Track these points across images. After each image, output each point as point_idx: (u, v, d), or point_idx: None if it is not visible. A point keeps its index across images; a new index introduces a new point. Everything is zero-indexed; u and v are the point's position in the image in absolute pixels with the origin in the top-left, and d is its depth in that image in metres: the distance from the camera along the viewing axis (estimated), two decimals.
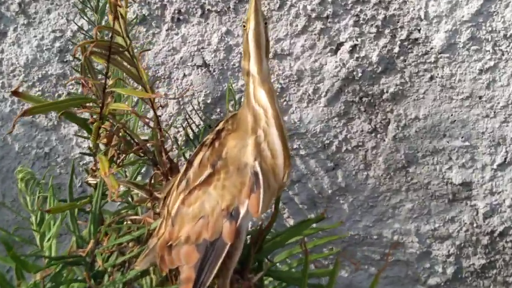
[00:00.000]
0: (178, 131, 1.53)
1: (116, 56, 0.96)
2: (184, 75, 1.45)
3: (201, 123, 1.44)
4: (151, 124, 1.08)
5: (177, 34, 1.42)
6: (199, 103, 1.45)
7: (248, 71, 0.88)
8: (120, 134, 1.03)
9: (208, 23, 1.40)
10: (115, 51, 0.95)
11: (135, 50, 1.19)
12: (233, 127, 0.92)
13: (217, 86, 1.45)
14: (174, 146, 1.39)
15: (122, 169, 1.29)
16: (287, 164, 0.85)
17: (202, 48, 1.42)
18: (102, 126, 1.02)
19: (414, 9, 1.31)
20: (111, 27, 0.93)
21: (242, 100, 1.05)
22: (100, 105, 1.00)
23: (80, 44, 0.91)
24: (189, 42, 1.42)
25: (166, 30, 1.42)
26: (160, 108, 1.16)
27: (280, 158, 0.85)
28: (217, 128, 0.95)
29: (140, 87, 1.04)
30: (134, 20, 1.42)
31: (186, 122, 1.41)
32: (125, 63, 1.01)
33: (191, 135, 1.38)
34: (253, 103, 0.86)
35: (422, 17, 1.31)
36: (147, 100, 1.08)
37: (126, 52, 0.98)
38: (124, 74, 1.03)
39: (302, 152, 1.47)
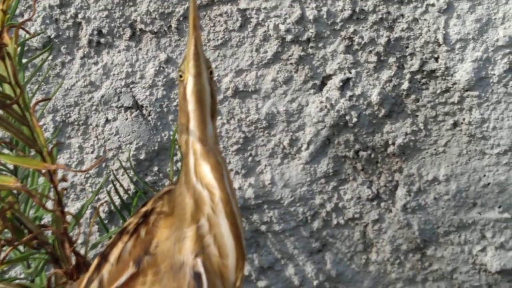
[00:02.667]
0: (98, 199, 1.36)
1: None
2: (107, 120, 1.33)
3: (131, 187, 1.35)
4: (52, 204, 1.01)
5: (96, 63, 1.30)
6: (128, 159, 1.33)
7: (187, 139, 0.85)
8: (7, 217, 0.99)
9: (140, 49, 1.30)
10: None
11: (32, 96, 1.13)
12: (167, 209, 0.90)
13: (153, 136, 1.34)
14: (83, 231, 1.23)
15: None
16: (240, 266, 0.85)
17: (133, 82, 1.31)
18: None
19: (429, 30, 1.26)
20: None
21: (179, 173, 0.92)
22: None
23: None
24: (114, 75, 1.31)
25: (81, 58, 1.30)
26: (62, 182, 1.00)
27: (231, 257, 0.84)
28: (144, 208, 0.93)
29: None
30: (35, 43, 1.28)
31: (110, 185, 1.33)
32: (13, 120, 0.93)
33: (117, 204, 1.32)
34: (194, 182, 0.84)
35: (441, 40, 1.27)
36: (44, 171, 0.99)
37: (15, 105, 0.84)
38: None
39: (276, 227, 1.39)
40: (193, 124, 0.84)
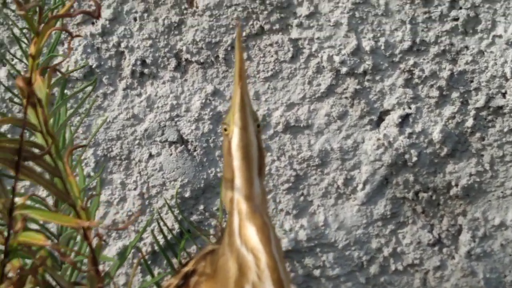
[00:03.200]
0: (141, 239, 1.34)
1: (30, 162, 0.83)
2: (151, 156, 1.31)
3: (176, 226, 1.32)
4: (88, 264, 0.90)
5: (139, 95, 1.29)
6: (172, 197, 1.31)
7: (231, 196, 0.82)
8: (39, 273, 0.88)
9: (186, 80, 1.28)
10: (28, 157, 0.77)
11: (74, 131, 1.13)
12: (210, 271, 0.88)
13: (199, 173, 1.32)
14: (126, 272, 1.20)
15: None
16: None
17: (178, 116, 1.29)
18: (8, 263, 0.87)
19: (495, 63, 1.24)
20: (22, 119, 0.75)
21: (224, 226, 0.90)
22: (6, 233, 0.84)
23: None
24: (158, 107, 1.29)
25: (124, 89, 1.29)
26: (97, 238, 0.97)
27: None
28: (186, 269, 0.91)
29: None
30: (75, 73, 1.27)
31: (154, 224, 1.31)
32: (43, 171, 0.86)
33: (161, 243, 1.27)
34: (238, 245, 0.80)
35: (508, 75, 1.25)
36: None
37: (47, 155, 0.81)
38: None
39: (330, 272, 1.36)
40: (238, 182, 0.81)
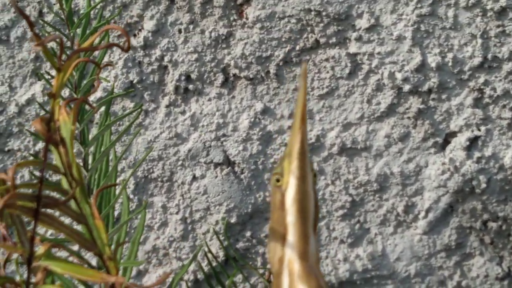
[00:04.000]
0: (182, 266, 1.27)
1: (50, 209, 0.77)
2: (194, 178, 1.28)
3: (220, 254, 1.30)
4: None
5: (183, 112, 1.27)
6: (218, 222, 1.28)
7: (281, 256, 0.75)
8: None
9: (234, 97, 1.25)
10: (48, 203, 0.72)
11: (109, 145, 1.12)
12: None
13: (246, 197, 1.28)
14: None
15: None
16: None
17: (224, 135, 1.26)
18: None
19: None
20: (41, 161, 0.69)
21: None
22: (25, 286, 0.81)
23: None
24: (203, 126, 1.27)
25: (167, 107, 1.26)
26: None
27: None
28: None
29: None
30: (113, 89, 1.24)
31: (206, 253, 1.27)
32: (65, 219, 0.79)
33: (206, 270, 1.26)
34: None
35: None
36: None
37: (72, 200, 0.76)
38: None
39: None
40: (292, 239, 0.75)
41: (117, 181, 1.25)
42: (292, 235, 0.74)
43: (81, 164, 1.04)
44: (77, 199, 0.80)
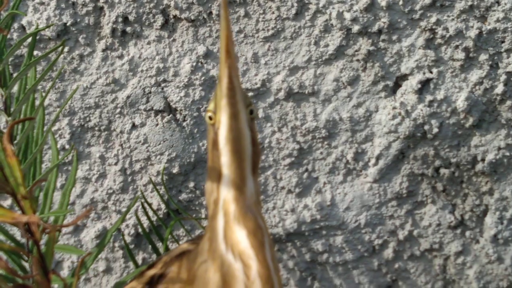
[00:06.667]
0: (123, 220, 1.27)
1: None
2: (134, 126, 1.29)
3: (162, 206, 1.31)
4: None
5: (121, 57, 1.27)
6: (159, 173, 1.29)
7: (216, 197, 0.78)
8: None
9: (174, 40, 1.25)
10: None
11: (44, 97, 1.11)
12: (184, 277, 0.84)
13: (189, 146, 1.29)
14: (106, 257, 1.15)
15: None
16: None
17: (164, 81, 1.26)
18: None
19: None
20: None
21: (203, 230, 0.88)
22: None
23: None
24: (142, 71, 1.27)
25: (103, 51, 1.26)
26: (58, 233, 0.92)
27: None
28: (151, 272, 0.88)
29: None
30: (47, 33, 1.22)
31: (137, 204, 1.29)
32: None
33: (145, 225, 1.29)
34: (223, 250, 0.76)
35: None
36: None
37: None
38: None
39: (337, 258, 1.35)
40: (226, 181, 0.77)
41: (52, 130, 1.24)
42: (226, 176, 0.76)
43: (2, 108, 1.02)
44: None
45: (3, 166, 0.82)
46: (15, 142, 1.00)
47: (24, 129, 1.03)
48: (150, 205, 1.24)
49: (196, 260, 0.82)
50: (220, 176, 0.77)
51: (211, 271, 0.78)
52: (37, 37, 1.22)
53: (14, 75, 1.07)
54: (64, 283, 0.86)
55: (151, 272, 0.88)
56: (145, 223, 1.28)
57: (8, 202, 1.27)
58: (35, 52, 1.23)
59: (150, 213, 1.27)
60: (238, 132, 0.76)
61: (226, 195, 0.77)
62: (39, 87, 1.23)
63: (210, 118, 0.78)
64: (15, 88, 1.15)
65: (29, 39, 1.11)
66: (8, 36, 1.21)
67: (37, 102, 1.11)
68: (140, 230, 1.28)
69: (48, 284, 0.84)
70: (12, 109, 1.02)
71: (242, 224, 0.76)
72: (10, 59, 1.21)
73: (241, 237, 0.76)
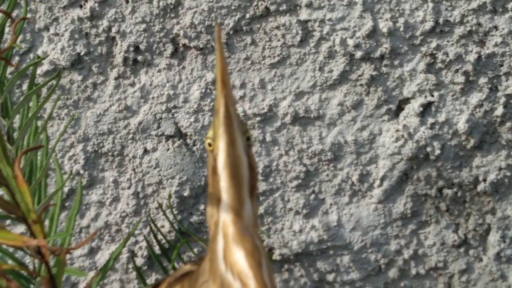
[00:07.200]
0: (136, 242, 1.34)
1: None
2: (146, 151, 1.32)
3: (174, 228, 1.31)
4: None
5: (132, 84, 1.29)
6: (170, 196, 1.31)
7: (216, 219, 0.79)
8: None
9: (184, 67, 1.28)
10: None
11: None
12: None
13: (199, 169, 1.32)
14: (120, 278, 1.17)
15: None
16: None
17: (175, 107, 1.29)
18: None
19: None
20: None
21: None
22: None
23: None
24: (153, 98, 1.29)
25: (116, 79, 1.29)
26: (68, 253, 0.93)
27: None
28: None
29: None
30: (62, 62, 1.26)
31: (151, 227, 1.30)
32: None
33: (156, 249, 1.31)
34: (222, 270, 0.77)
35: None
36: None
37: None
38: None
39: (344, 277, 1.36)
40: (225, 204, 0.78)
41: (66, 157, 1.28)
42: (225, 200, 0.77)
43: (5, 138, 1.04)
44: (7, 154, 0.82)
45: (14, 193, 0.86)
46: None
47: (27, 155, 1.06)
48: (158, 228, 1.27)
49: (198, 281, 0.84)
50: (219, 200, 0.79)
51: None
52: (52, 67, 1.26)
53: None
54: None
55: None
56: (157, 246, 1.30)
57: (19, 229, 1.30)
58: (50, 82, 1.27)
59: (160, 236, 1.30)
60: (236, 158, 0.77)
61: (225, 218, 0.78)
62: (54, 115, 1.27)
63: (210, 145, 0.80)
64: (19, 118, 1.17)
65: (36, 68, 1.15)
66: (24, 66, 1.24)
67: (53, 129, 1.15)
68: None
69: None
70: (15, 138, 1.05)
71: (240, 245, 0.78)
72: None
73: (240, 257, 0.77)
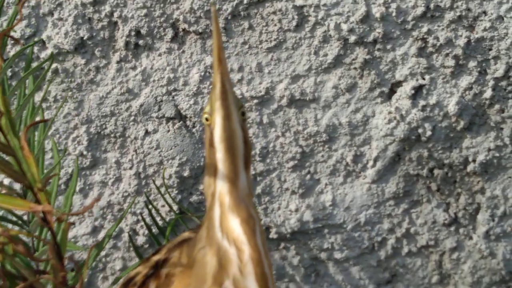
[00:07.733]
0: (137, 221, 1.37)
1: None
2: (147, 133, 1.34)
3: (170, 207, 1.33)
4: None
5: (134, 68, 1.31)
6: (170, 176, 1.33)
7: (213, 190, 0.82)
8: None
9: (184, 51, 1.30)
10: None
11: (60, 106, 1.13)
12: (185, 261, 0.88)
13: (198, 150, 1.33)
14: (122, 256, 1.18)
15: None
16: None
17: (175, 90, 1.30)
18: None
19: None
20: None
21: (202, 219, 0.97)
22: None
23: None
24: (154, 81, 1.31)
25: (118, 62, 1.31)
26: (72, 226, 0.96)
27: None
28: (156, 257, 0.92)
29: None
30: (66, 46, 1.28)
31: (148, 207, 1.31)
32: None
33: (156, 227, 1.30)
34: (219, 238, 0.81)
35: None
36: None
37: None
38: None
39: (338, 255, 1.37)
40: (222, 175, 0.81)
41: (70, 138, 1.31)
42: (222, 170, 0.81)
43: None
44: (4, 131, 0.86)
45: (21, 162, 0.89)
46: None
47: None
48: (155, 207, 1.30)
49: (195, 247, 0.86)
50: (216, 171, 0.82)
51: (209, 256, 0.82)
52: (57, 51, 1.29)
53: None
54: (76, 266, 0.92)
55: (156, 257, 0.92)
56: (159, 223, 1.32)
57: None
58: (54, 65, 1.30)
59: (159, 215, 1.32)
60: (231, 131, 0.80)
61: (221, 188, 0.81)
62: (59, 97, 1.30)
63: (207, 119, 0.83)
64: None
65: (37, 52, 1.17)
66: (28, 50, 1.27)
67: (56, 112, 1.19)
68: (153, 230, 1.34)
69: (62, 267, 0.90)
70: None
71: (235, 213, 0.80)
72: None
73: (235, 225, 0.80)
